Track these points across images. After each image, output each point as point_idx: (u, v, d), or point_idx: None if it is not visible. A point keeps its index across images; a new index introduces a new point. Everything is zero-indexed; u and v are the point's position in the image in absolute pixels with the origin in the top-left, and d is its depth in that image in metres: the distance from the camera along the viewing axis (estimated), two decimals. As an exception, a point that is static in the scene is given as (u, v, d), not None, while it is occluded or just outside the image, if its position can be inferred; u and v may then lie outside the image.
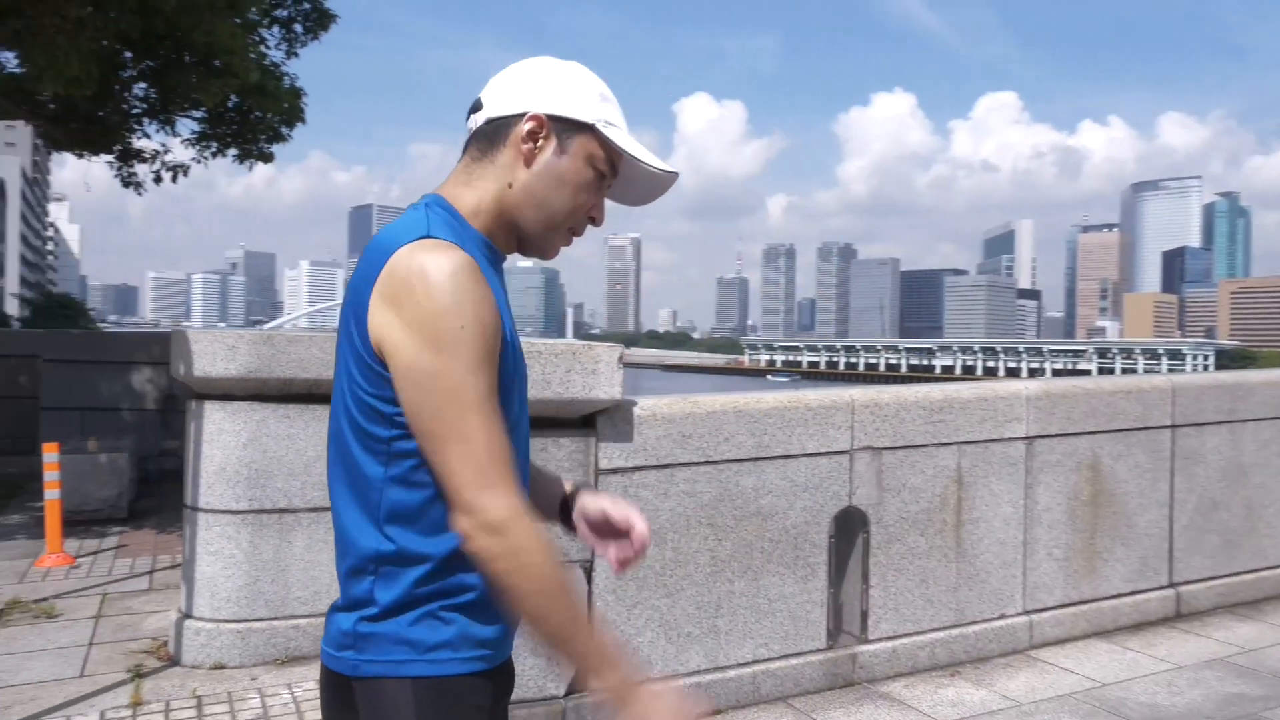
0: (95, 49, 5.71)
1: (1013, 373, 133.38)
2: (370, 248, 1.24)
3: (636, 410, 3.37)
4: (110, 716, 3.46)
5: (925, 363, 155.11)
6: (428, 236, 1.20)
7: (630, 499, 3.33)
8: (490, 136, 1.31)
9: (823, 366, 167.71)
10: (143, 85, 7.90)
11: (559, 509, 1.53)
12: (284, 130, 8.72)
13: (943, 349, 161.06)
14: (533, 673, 3.18)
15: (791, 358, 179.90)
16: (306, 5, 9.49)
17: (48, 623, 4.51)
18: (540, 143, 1.29)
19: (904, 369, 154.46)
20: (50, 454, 5.63)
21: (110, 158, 8.60)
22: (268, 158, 9.02)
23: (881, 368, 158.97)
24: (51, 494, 5.62)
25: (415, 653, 1.19)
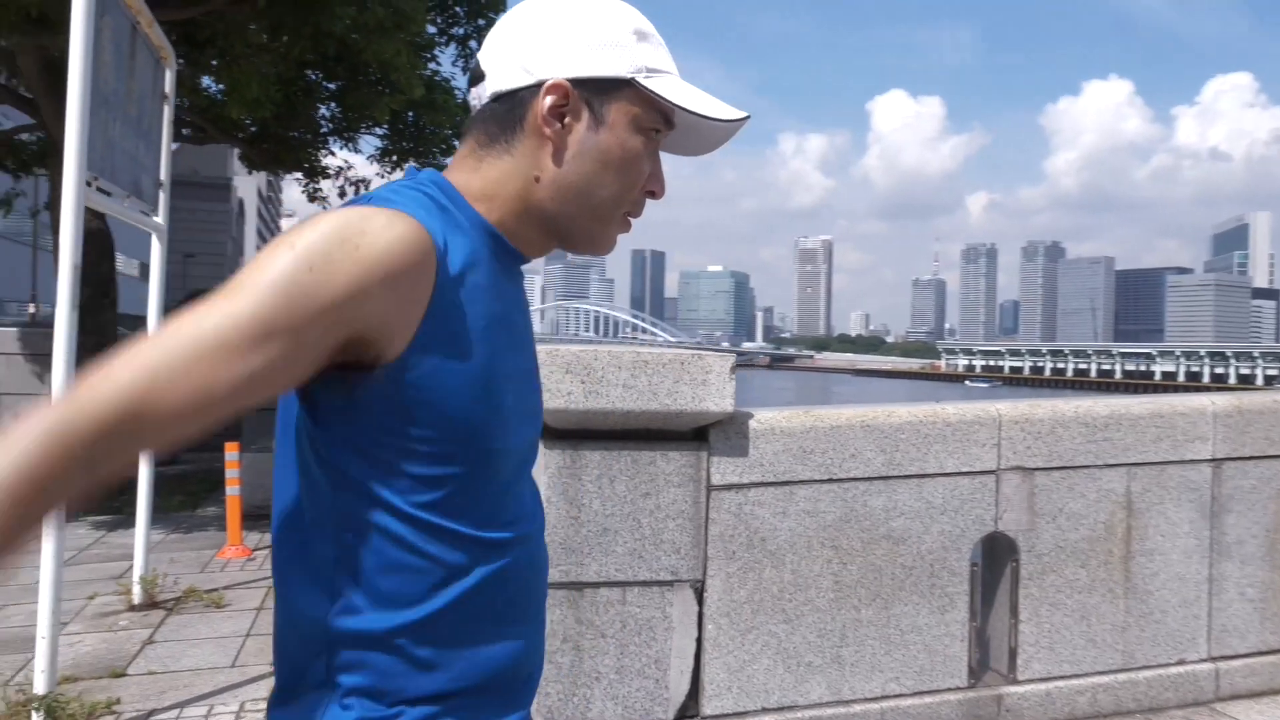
0: (273, 73, 6.11)
1: (1246, 380, 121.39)
2: None
3: (752, 423, 3.19)
4: (250, 708, 3.63)
5: (1143, 369, 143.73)
6: (371, 200, 0.91)
7: (746, 517, 3.17)
8: (501, 118, 1.00)
9: (1026, 372, 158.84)
10: (329, 105, 8.44)
11: None
12: (456, 142, 9.07)
13: (1163, 354, 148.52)
14: (639, 695, 3.06)
15: (992, 363, 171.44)
16: (481, 21, 9.82)
17: (215, 612, 4.82)
18: (569, 119, 0.98)
19: (1118, 375, 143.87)
20: (231, 452, 6.05)
21: (299, 175, 9.24)
22: (441, 169, 9.38)
23: (1093, 374, 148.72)
24: (232, 490, 6.04)
25: None
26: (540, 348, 2.97)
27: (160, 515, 7.41)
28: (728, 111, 1.03)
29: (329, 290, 0.83)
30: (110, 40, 3.62)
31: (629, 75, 0.99)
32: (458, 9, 9.61)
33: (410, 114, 8.70)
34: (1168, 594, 3.59)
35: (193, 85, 6.95)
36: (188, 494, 8.21)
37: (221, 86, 6.41)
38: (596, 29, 0.99)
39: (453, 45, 9.84)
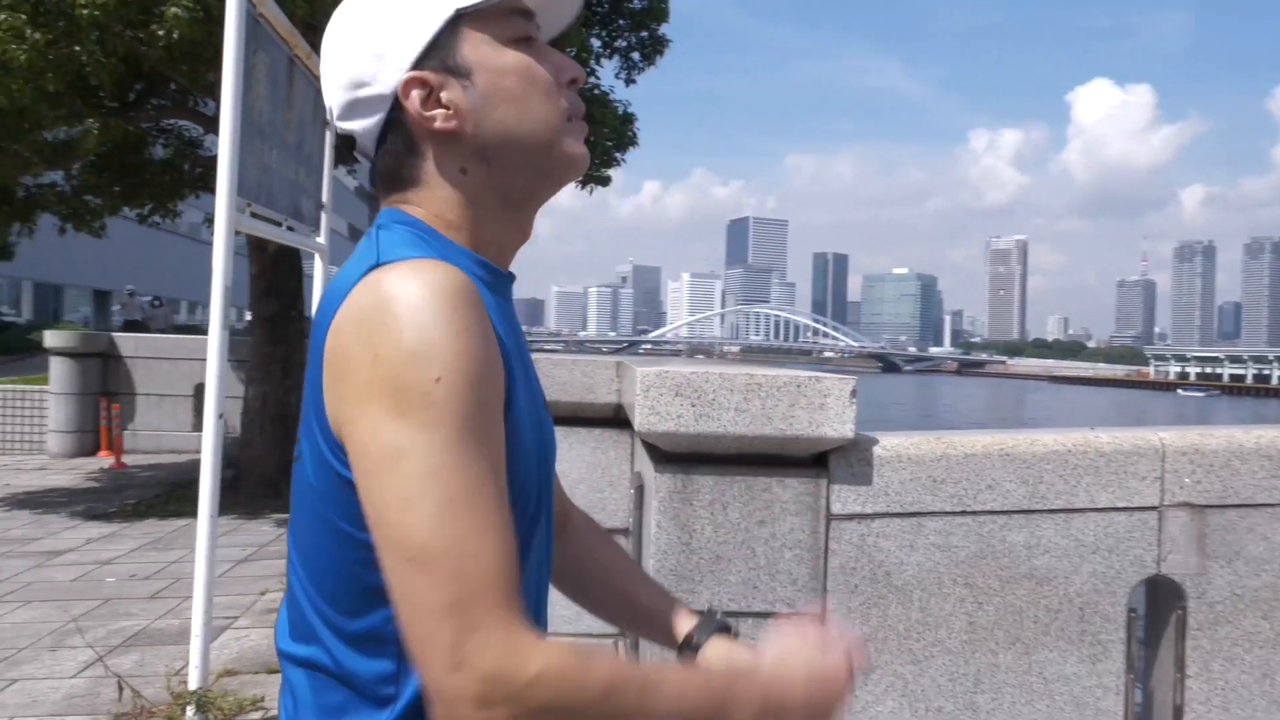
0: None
1: None
2: (322, 299, 0.92)
3: (877, 450, 3.01)
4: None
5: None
6: (379, 264, 0.84)
7: (870, 549, 2.99)
8: (392, 152, 0.94)
9: (1250, 380, 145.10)
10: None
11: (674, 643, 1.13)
12: (616, 155, 9.17)
13: None
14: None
15: (1209, 370, 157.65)
16: (644, 34, 9.89)
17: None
18: (445, 97, 0.90)
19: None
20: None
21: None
22: (605, 181, 9.54)
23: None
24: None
25: None
26: (650, 369, 2.92)
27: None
28: None
29: (495, 376, 0.81)
30: (265, 75, 3.84)
31: (451, 13, 0.90)
32: (620, 21, 9.72)
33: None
34: (1374, 654, 3.12)
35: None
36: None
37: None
38: (389, 5, 0.91)
39: (615, 57, 9.97)
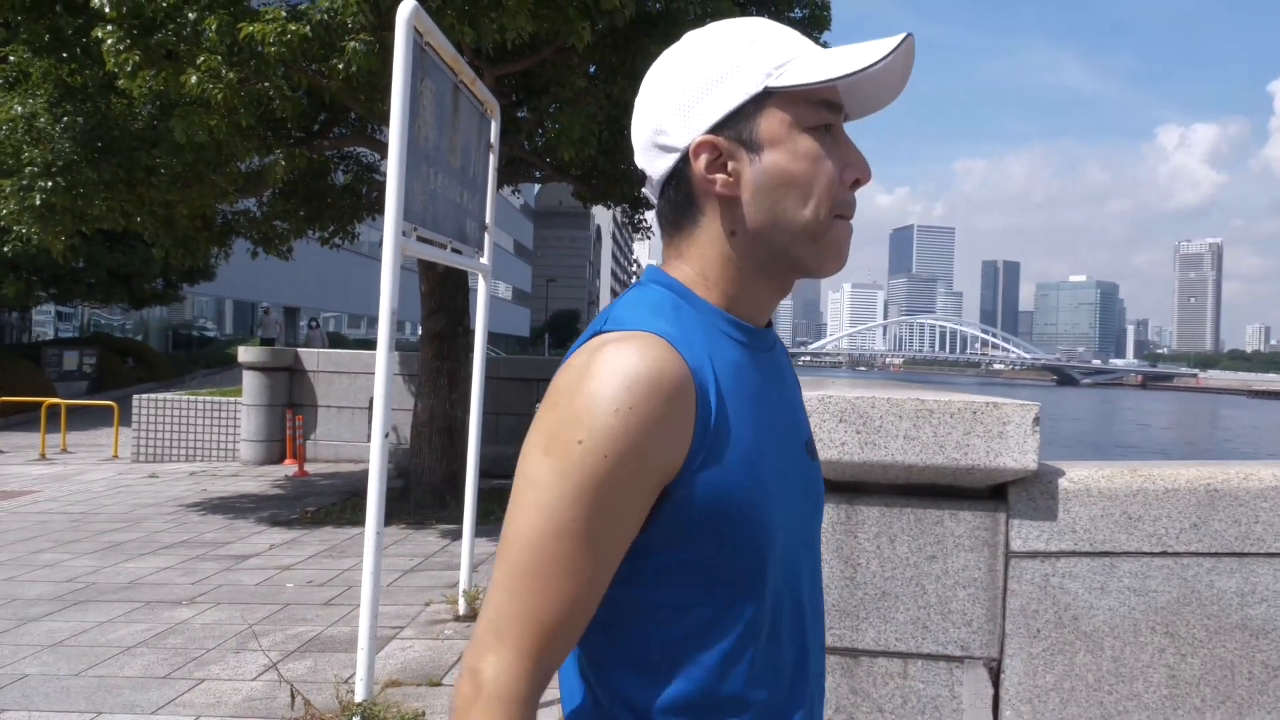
0: (595, 114, 6.43)
1: None
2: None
3: (1062, 482, 2.77)
4: (541, 732, 3.76)
5: None
6: (602, 331, 0.93)
7: (1054, 590, 2.75)
8: (675, 203, 1.00)
9: None
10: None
11: None
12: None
13: None
14: (922, 780, 2.75)
15: None
16: (804, 11, 9.70)
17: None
18: (731, 166, 0.95)
19: None
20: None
21: (625, 206, 9.67)
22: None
23: None
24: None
25: None
26: (812, 394, 2.78)
27: (497, 526, 8.06)
28: (884, 46, 0.91)
29: (632, 463, 0.87)
30: (431, 101, 3.95)
31: (760, 87, 0.93)
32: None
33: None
34: None
35: (530, 131, 7.54)
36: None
37: (555, 127, 6.85)
38: (707, 65, 0.95)
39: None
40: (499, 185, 11.32)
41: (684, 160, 0.96)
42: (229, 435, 12.63)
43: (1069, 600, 2.76)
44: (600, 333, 0.92)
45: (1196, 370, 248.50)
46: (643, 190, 9.87)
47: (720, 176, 0.95)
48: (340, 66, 5.87)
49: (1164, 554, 2.74)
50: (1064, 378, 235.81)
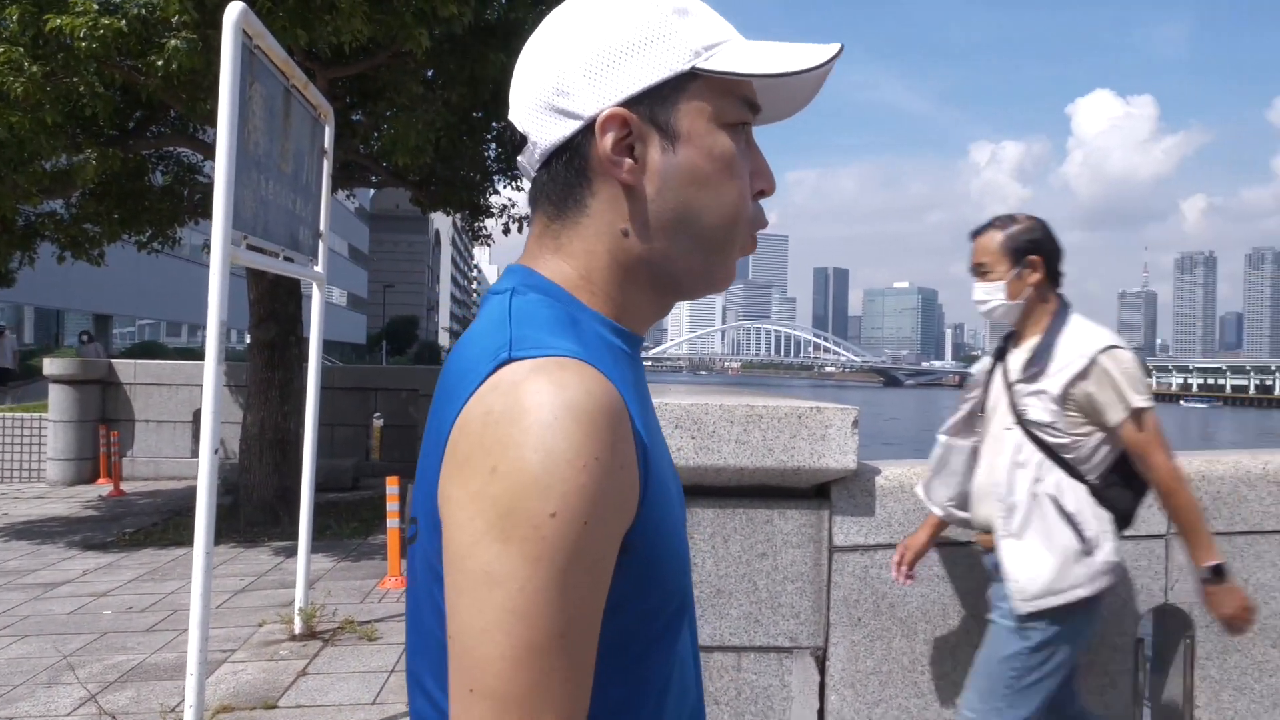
0: (431, 121, 6.38)
1: None
2: (449, 364, 0.83)
3: (879, 480, 2.98)
4: (382, 748, 3.71)
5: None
6: (509, 359, 0.73)
7: (873, 580, 2.95)
8: (561, 179, 0.83)
9: (1252, 391, 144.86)
10: (491, 146, 8.75)
11: None
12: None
13: None
14: (756, 767, 2.89)
15: (1211, 381, 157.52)
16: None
17: (367, 645, 4.99)
18: (638, 150, 0.80)
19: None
20: (392, 485, 6.30)
21: (465, 212, 9.60)
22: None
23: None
24: (392, 522, 6.28)
25: None
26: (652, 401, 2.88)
27: (334, 541, 7.83)
28: (818, 54, 0.82)
29: (612, 524, 0.72)
30: (261, 106, 3.83)
31: (688, 67, 0.80)
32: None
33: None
34: (1386, 682, 3.07)
35: (366, 135, 7.39)
36: (361, 520, 8.63)
37: (390, 133, 6.73)
38: (627, 26, 0.80)
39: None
40: (333, 189, 11.02)
41: (585, 132, 0.80)
42: (33, 454, 11.70)
43: (886, 589, 2.97)
44: (507, 362, 0.73)
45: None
46: (487, 199, 9.83)
47: (627, 161, 0.80)
48: (160, 64, 5.58)
49: (969, 543, 2.99)
50: (890, 379, 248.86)
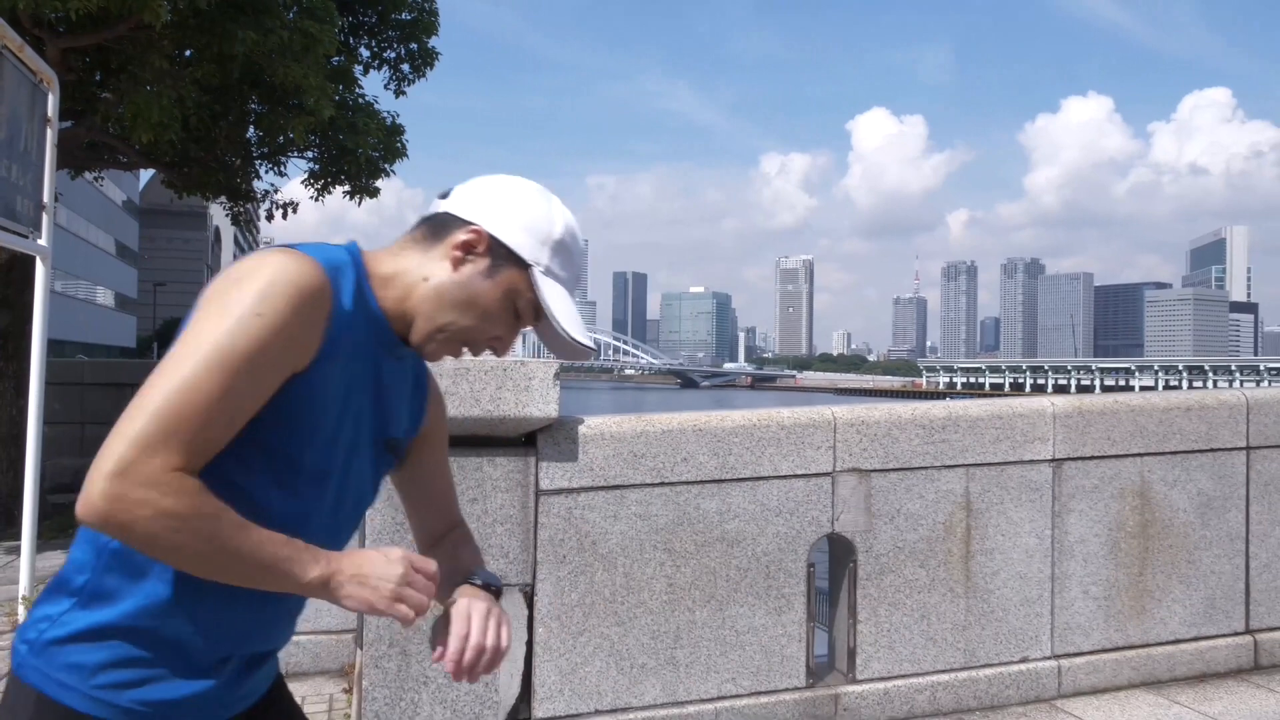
0: (176, 97, 6.18)
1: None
2: None
3: (582, 429, 3.25)
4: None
5: (1123, 383, 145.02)
6: (292, 249, 1.18)
7: (577, 521, 3.22)
8: (436, 227, 1.28)
9: (1007, 389, 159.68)
10: (251, 129, 8.51)
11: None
12: (385, 166, 9.13)
13: (1142, 368, 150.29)
14: (468, 700, 3.09)
15: (973, 380, 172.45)
16: (414, 45, 9.91)
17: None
18: (472, 257, 1.25)
19: (1098, 390, 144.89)
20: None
21: (224, 199, 9.29)
22: (374, 193, 9.46)
23: (1073, 389, 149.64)
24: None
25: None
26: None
27: (66, 541, 7.38)
28: (575, 335, 1.28)
29: (279, 331, 1.10)
30: (-38, 63, 3.67)
31: (530, 262, 1.26)
32: (389, 33, 9.70)
33: (339, 136, 8.78)
34: (1009, 592, 3.65)
35: (106, 112, 7.03)
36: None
37: (129, 107, 6.44)
38: (531, 220, 1.27)
39: (385, 68, 9.94)
40: (78, 170, 10.32)
41: (463, 224, 1.26)
42: None
43: (589, 529, 3.25)
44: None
45: (795, 372, 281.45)
46: (244, 183, 9.52)
47: (459, 254, 1.25)
48: None
49: (663, 484, 3.31)
50: (687, 381, 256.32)
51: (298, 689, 3.92)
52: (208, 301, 1.11)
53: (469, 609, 1.26)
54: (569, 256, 1.30)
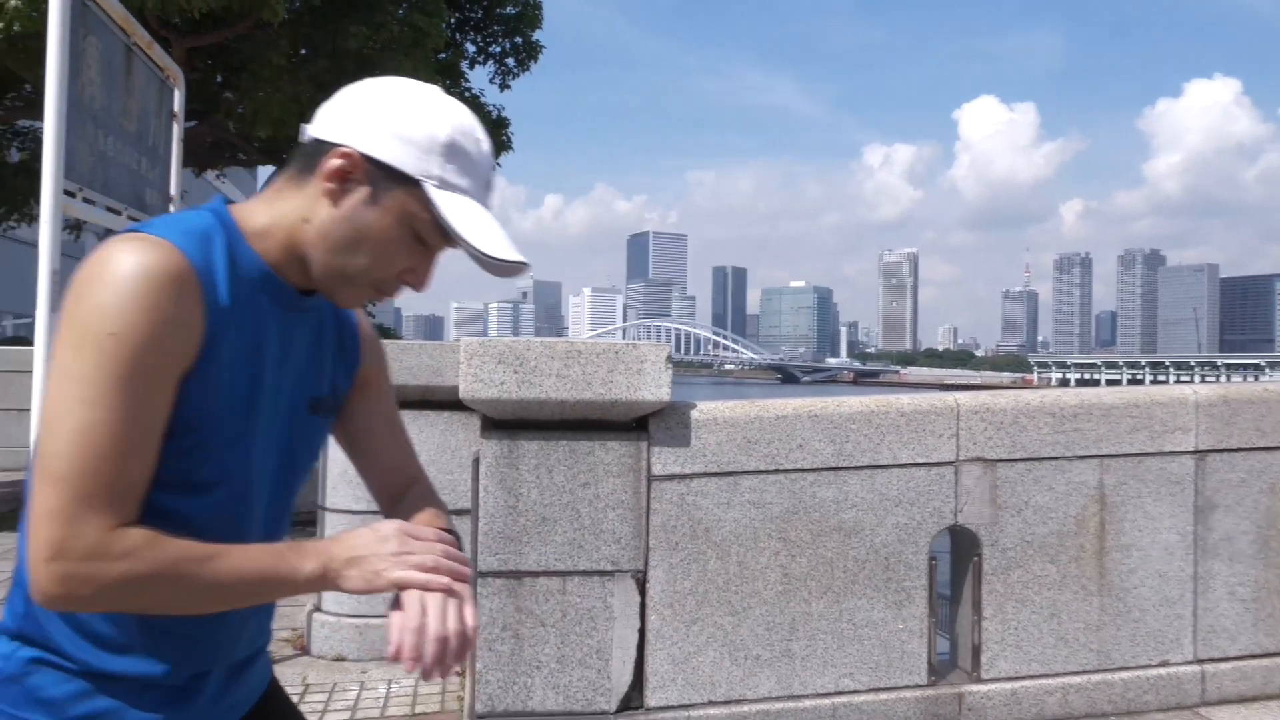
0: (293, 93, 6.36)
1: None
2: None
3: (694, 413, 3.18)
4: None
5: (1252, 380, 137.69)
6: (136, 232, 1.02)
7: (689, 507, 3.16)
8: (307, 158, 1.09)
9: (1125, 385, 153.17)
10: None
11: None
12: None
13: (1273, 364, 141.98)
14: (580, 685, 3.07)
15: (1087, 376, 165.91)
16: (518, 39, 10.01)
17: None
18: (349, 185, 1.06)
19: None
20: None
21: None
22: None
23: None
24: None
25: None
26: (475, 340, 3.02)
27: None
28: (497, 250, 1.07)
29: (142, 338, 0.97)
30: (97, 59, 3.82)
31: (416, 176, 1.05)
32: (494, 27, 9.81)
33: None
34: (1147, 591, 3.43)
35: (228, 110, 7.30)
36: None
37: (254, 100, 6.67)
38: (409, 123, 1.05)
39: (491, 63, 10.06)
40: (202, 169, 10.76)
41: (331, 146, 1.06)
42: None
43: (701, 515, 3.18)
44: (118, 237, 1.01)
45: (898, 367, 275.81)
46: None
47: (334, 186, 1.06)
48: (1, 25, 5.44)
49: (777, 470, 3.22)
50: (787, 376, 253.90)
51: (411, 670, 3.98)
52: (62, 325, 0.97)
53: (423, 593, 1.06)
54: (466, 160, 1.07)
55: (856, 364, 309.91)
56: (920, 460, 3.29)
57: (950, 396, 3.38)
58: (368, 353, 1.32)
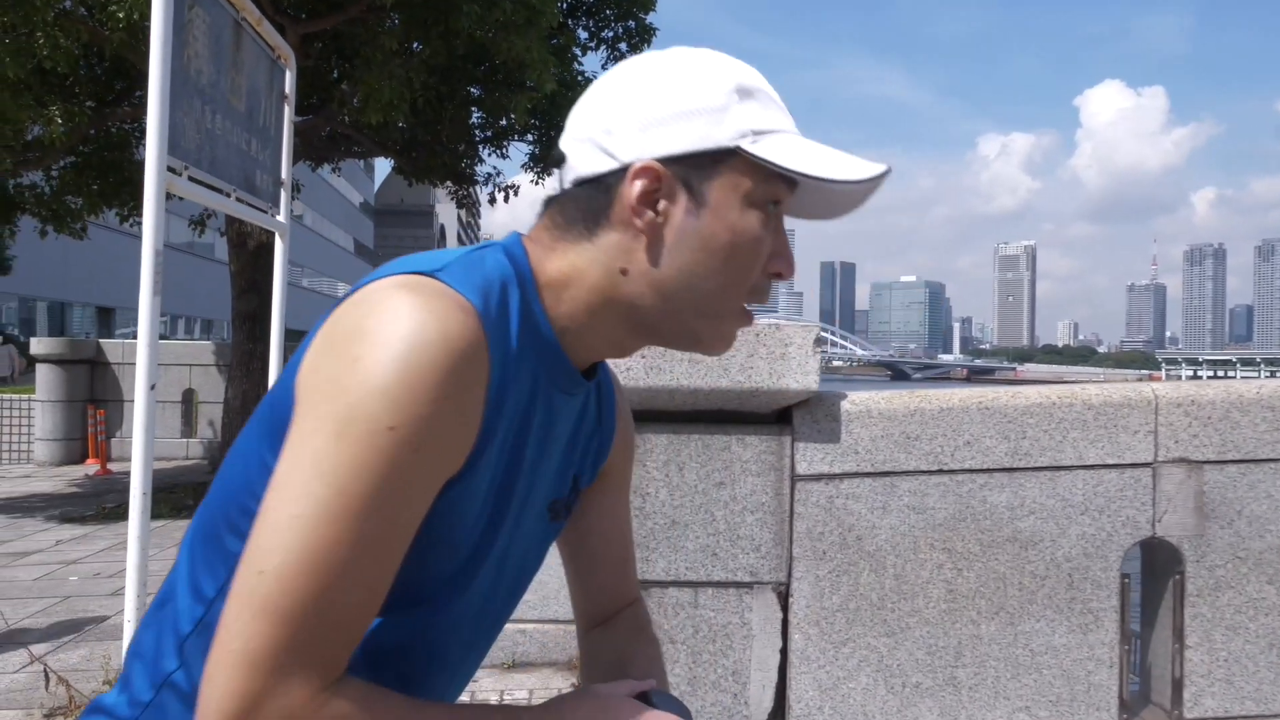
0: (405, 78, 6.22)
1: None
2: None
3: (845, 405, 2.79)
4: None
5: None
6: (419, 274, 0.76)
7: (839, 511, 2.77)
8: (583, 203, 0.84)
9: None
10: (475, 112, 8.60)
11: None
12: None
13: None
14: (714, 711, 2.72)
15: (1221, 373, 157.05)
16: (631, 23, 9.74)
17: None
18: (663, 205, 0.82)
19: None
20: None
21: (450, 184, 9.46)
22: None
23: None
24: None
25: None
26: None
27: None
28: (860, 169, 0.83)
29: (427, 437, 0.72)
30: (205, 33, 3.66)
31: (732, 144, 0.82)
32: (607, 11, 9.57)
33: (558, 118, 8.74)
34: (1391, 621, 2.88)
35: (341, 99, 7.24)
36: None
37: (366, 85, 6.56)
38: (687, 93, 0.82)
39: (603, 48, 9.81)
40: (318, 162, 10.86)
41: (619, 174, 0.82)
42: (22, 435, 11.59)
43: (853, 521, 2.78)
44: (395, 275, 0.77)
45: (1015, 364, 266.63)
46: (468, 166, 9.67)
47: (650, 213, 0.81)
48: (120, 15, 5.42)
49: (941, 471, 2.80)
50: (897, 373, 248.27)
51: (524, 680, 3.70)
52: (318, 387, 0.72)
53: None
54: (760, 94, 0.84)
55: (971, 360, 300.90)
56: (1111, 461, 2.82)
57: (1147, 387, 2.90)
58: (621, 438, 1.06)
